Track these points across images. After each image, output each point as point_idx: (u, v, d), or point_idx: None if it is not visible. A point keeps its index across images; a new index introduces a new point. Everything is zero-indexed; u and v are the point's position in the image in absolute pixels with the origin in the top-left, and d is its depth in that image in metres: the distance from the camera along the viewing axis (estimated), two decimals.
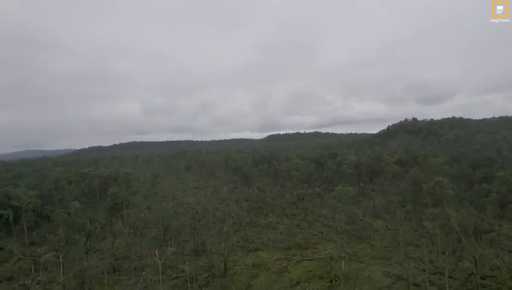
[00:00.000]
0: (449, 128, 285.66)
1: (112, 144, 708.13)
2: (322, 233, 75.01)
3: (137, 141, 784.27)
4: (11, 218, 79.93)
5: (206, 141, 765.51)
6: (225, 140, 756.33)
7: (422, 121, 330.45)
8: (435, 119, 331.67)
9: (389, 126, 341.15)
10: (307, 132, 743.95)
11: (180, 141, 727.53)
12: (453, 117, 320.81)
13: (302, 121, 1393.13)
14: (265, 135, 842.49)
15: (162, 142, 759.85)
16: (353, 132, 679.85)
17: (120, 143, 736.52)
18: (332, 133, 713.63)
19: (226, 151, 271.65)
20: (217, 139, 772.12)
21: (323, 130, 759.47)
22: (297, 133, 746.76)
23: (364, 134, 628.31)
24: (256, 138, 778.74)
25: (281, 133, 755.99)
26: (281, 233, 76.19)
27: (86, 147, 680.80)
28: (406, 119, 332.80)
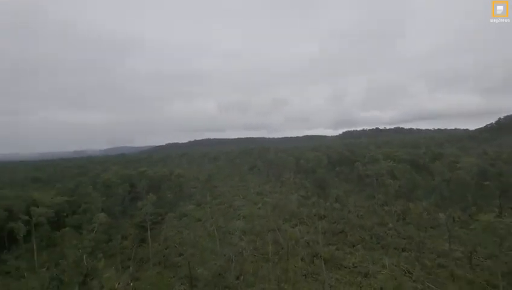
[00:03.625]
0: None
1: (187, 141, 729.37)
2: None
3: (211, 138, 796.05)
4: (21, 233, 63.41)
5: (278, 138, 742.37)
6: (298, 137, 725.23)
7: None
8: None
9: (499, 119, 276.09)
10: (387, 127, 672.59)
11: (253, 138, 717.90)
12: None
13: (381, 116, 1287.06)
14: (340, 131, 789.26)
15: (235, 139, 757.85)
16: (442, 128, 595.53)
17: (195, 140, 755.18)
18: (416, 129, 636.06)
19: (297, 149, 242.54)
20: (290, 136, 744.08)
21: (406, 126, 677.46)
22: (376, 129, 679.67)
23: (457, 129, 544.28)
24: (330, 135, 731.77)
25: (358, 129, 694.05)
26: (381, 289, 45.81)
27: (164, 143, 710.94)
28: None
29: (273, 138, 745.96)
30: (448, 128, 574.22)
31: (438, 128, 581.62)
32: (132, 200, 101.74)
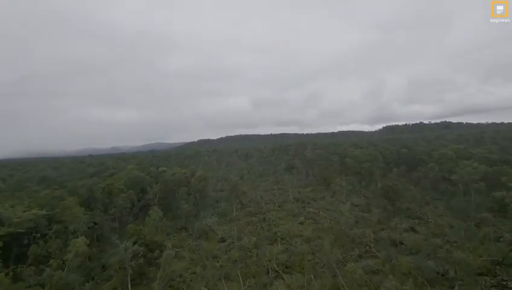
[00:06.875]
0: None
1: (218, 137, 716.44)
2: None
3: (243, 133, 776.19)
4: None
5: (312, 134, 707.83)
6: (333, 133, 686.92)
7: None
8: None
9: None
10: (433, 122, 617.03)
11: (286, 134, 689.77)
12: None
13: (422, 111, 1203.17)
14: (377, 127, 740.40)
15: (268, 135, 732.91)
16: (497, 121, 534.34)
17: (227, 136, 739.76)
18: (466, 123, 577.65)
19: (337, 146, 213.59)
20: (324, 132, 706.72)
21: (453, 120, 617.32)
22: (420, 123, 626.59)
23: None
24: (367, 130, 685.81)
25: (400, 124, 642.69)
26: None
27: (196, 140, 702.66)
28: None
29: (307, 134, 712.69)
30: (505, 121, 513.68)
31: (493, 122, 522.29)
32: (142, 211, 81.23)
